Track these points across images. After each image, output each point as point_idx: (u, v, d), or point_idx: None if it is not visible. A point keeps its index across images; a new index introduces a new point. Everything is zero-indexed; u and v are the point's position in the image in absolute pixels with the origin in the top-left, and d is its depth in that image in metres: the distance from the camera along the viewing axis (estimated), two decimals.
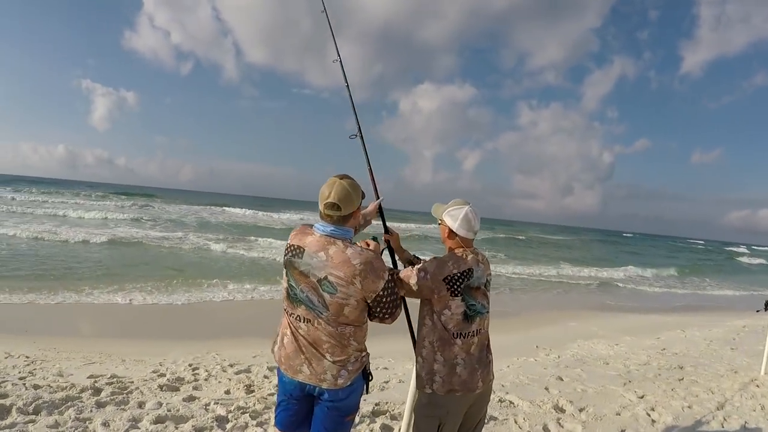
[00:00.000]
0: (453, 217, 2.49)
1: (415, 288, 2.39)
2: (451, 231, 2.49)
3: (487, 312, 2.52)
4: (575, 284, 19.22)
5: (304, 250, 2.16)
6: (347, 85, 3.06)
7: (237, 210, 43.61)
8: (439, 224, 2.57)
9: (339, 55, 3.07)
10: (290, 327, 2.26)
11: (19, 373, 5.24)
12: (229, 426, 4.15)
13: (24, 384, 4.61)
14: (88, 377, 5.24)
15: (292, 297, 2.22)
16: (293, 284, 2.19)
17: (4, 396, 4.27)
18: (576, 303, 14.90)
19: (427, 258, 2.59)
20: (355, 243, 2.25)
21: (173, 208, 40.26)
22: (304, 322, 2.20)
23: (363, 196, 2.29)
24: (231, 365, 6.18)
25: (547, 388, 5.88)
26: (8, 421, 3.88)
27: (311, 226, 2.25)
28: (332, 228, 2.19)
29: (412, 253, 2.85)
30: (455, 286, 2.37)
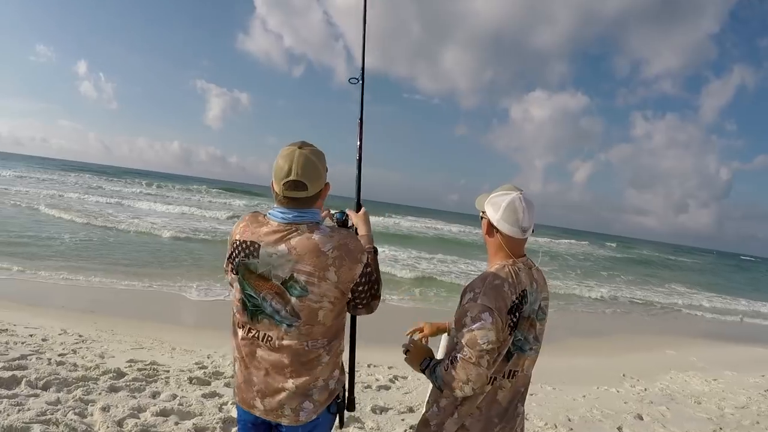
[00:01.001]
0: (495, 206, 1.88)
1: (491, 345, 1.71)
2: (491, 225, 1.89)
3: (534, 350, 1.91)
4: (683, 308, 17.67)
5: (259, 246, 1.74)
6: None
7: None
8: (481, 218, 1.96)
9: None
10: (241, 350, 1.85)
11: (62, 349, 5.33)
12: (233, 430, 3.78)
13: (49, 359, 4.62)
14: (126, 361, 5.23)
15: (251, 311, 1.79)
16: (251, 293, 1.77)
17: (23, 368, 4.29)
18: (680, 329, 13.77)
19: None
20: (320, 223, 1.81)
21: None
22: (264, 341, 1.78)
23: (326, 169, 1.84)
24: None
25: (620, 429, 5.10)
26: (13, 391, 3.89)
27: (263, 213, 1.84)
28: (295, 213, 1.76)
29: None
30: (514, 319, 1.80)
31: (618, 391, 6.77)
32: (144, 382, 4.54)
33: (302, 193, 1.73)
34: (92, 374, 4.49)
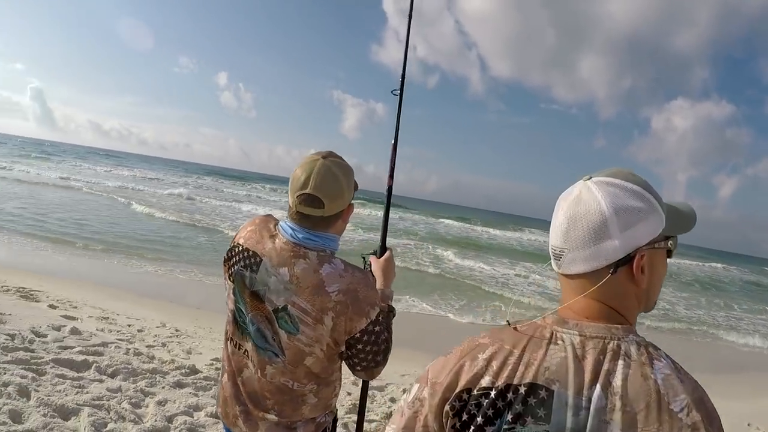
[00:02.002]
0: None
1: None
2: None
3: None
4: None
5: (261, 260, 1.57)
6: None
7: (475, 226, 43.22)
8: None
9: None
10: (231, 363, 1.71)
11: (152, 341, 5.52)
12: None
13: (128, 349, 4.73)
14: (210, 359, 5.23)
15: (240, 326, 1.66)
16: (242, 308, 1.62)
17: (98, 354, 4.45)
18: None
19: None
20: (337, 257, 1.59)
21: (416, 218, 42.02)
22: (251, 361, 1.64)
23: (356, 187, 1.65)
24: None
25: None
26: (80, 374, 4.00)
27: (275, 223, 1.67)
28: (307, 234, 1.56)
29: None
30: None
31: None
32: (213, 382, 4.50)
33: (317, 210, 1.52)
34: (164, 368, 4.53)
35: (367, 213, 38.55)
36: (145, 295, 7.89)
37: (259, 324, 1.56)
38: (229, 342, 1.70)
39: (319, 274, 1.50)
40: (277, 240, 1.56)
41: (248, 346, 1.61)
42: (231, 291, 1.65)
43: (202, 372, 4.68)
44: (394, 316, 1.77)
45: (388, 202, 2.12)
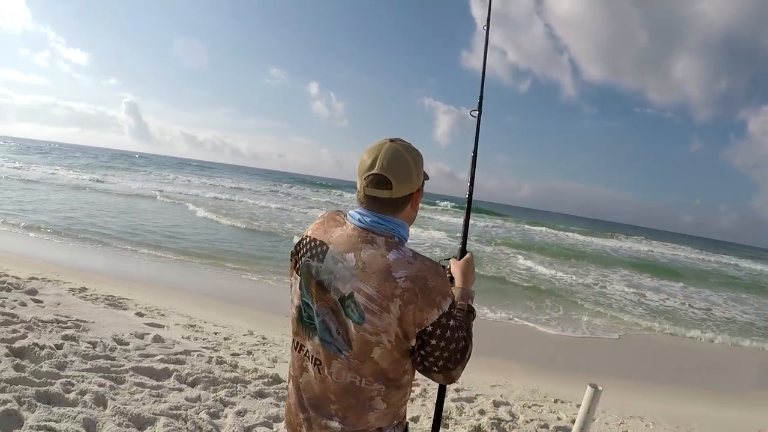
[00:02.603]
0: None
1: None
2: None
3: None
4: None
5: (327, 248, 1.50)
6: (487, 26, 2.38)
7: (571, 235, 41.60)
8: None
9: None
10: (293, 367, 1.63)
11: (238, 349, 5.43)
12: None
13: (211, 358, 4.61)
14: None
15: (305, 323, 1.55)
16: (308, 302, 1.52)
17: (180, 363, 4.34)
18: None
19: None
20: (401, 243, 1.51)
21: (509, 225, 41.09)
22: (313, 363, 1.53)
23: (426, 176, 1.60)
24: (457, 390, 5.18)
25: None
26: (160, 383, 3.92)
27: (344, 213, 1.62)
28: (375, 218, 1.50)
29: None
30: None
31: None
32: None
33: (385, 192, 1.47)
34: (247, 377, 4.34)
35: (460, 220, 37.96)
36: (235, 302, 7.91)
37: (324, 316, 1.46)
38: (294, 342, 1.60)
39: (386, 259, 1.41)
40: (344, 227, 1.51)
41: (313, 342, 1.51)
42: (297, 285, 1.55)
43: (285, 381, 4.46)
44: (474, 317, 1.68)
45: (469, 207, 2.15)
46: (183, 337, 5.32)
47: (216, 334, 5.88)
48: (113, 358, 4.07)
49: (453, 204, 52.03)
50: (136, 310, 6.08)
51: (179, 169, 65.22)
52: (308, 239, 1.55)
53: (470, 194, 2.16)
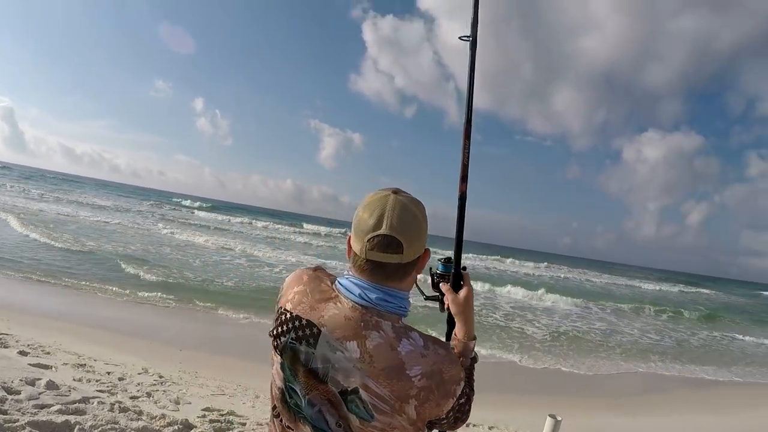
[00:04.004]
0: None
1: None
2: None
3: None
4: None
5: (320, 332, 1.26)
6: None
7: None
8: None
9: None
10: None
11: (136, 391, 5.07)
12: None
13: (112, 405, 4.29)
14: (202, 409, 4.87)
15: (291, 408, 1.34)
16: (295, 388, 1.31)
17: (81, 413, 4.02)
18: None
19: None
20: (412, 327, 1.31)
21: None
22: None
23: None
24: None
25: None
26: None
27: (331, 279, 1.37)
28: (380, 294, 1.27)
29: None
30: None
31: None
32: None
33: (395, 257, 1.24)
34: (155, 425, 4.11)
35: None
36: (121, 332, 7.43)
37: (320, 406, 1.26)
38: (276, 420, 1.39)
39: (398, 352, 1.21)
40: (338, 303, 1.26)
41: (305, 430, 1.31)
42: (279, 366, 1.33)
43: (196, 427, 4.24)
44: (476, 362, 1.53)
45: (461, 212, 1.74)
46: (75, 380, 4.89)
47: (109, 374, 5.46)
48: (5, 412, 3.65)
49: (341, 230, 52.02)
50: (18, 347, 5.46)
51: (41, 183, 59.55)
52: (289, 315, 1.31)
53: (463, 195, 1.75)
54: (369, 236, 1.23)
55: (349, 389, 1.22)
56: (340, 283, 1.30)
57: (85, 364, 5.54)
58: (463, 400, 1.31)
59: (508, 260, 45.75)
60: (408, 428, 1.25)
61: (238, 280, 14.40)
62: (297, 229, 44.86)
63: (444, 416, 1.29)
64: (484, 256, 45.53)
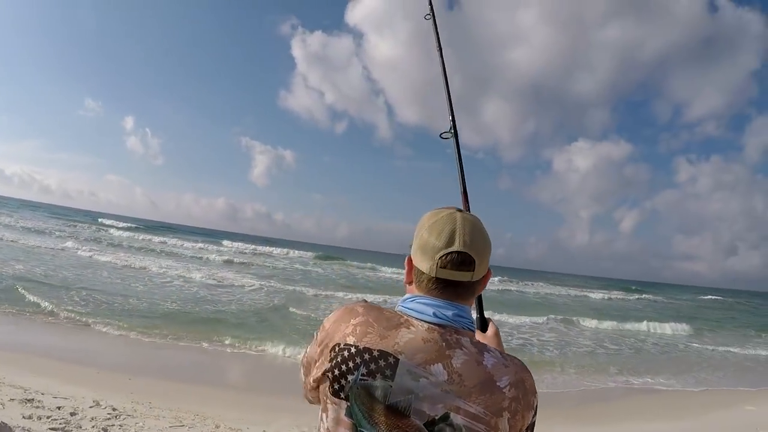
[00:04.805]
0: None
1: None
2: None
3: None
4: (727, 355, 16.56)
5: (397, 360, 1.16)
6: (440, 50, 2.50)
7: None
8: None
9: (432, 11, 2.57)
10: None
11: (92, 428, 4.85)
12: None
13: None
14: None
15: None
16: (367, 428, 1.17)
17: None
18: (749, 380, 12.71)
19: None
20: (488, 344, 1.27)
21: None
22: None
23: None
24: None
25: None
26: None
27: (389, 309, 1.28)
28: (455, 310, 1.22)
29: None
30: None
31: None
32: None
33: (467, 274, 1.20)
34: None
35: (298, 266, 37.28)
36: (65, 360, 7.02)
37: None
38: None
39: (484, 366, 1.16)
40: (411, 327, 1.19)
41: None
42: (344, 413, 1.18)
43: None
44: None
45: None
46: (25, 417, 4.55)
47: (60, 408, 5.11)
48: None
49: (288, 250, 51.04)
50: None
51: None
52: (355, 350, 1.19)
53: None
54: (441, 254, 1.19)
55: (437, 417, 1.13)
56: (407, 307, 1.24)
57: (33, 399, 5.16)
58: (535, 418, 1.26)
59: None
60: None
61: (158, 299, 13.85)
62: (216, 247, 43.24)
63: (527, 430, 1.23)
64: None
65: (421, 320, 1.19)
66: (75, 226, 44.80)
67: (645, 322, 21.56)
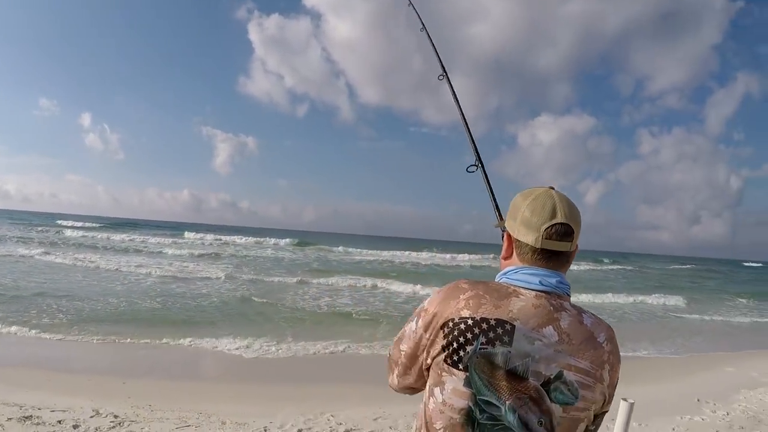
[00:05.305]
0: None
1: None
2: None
3: None
4: (702, 320, 17.25)
5: (513, 327, 1.24)
6: (457, 103, 2.69)
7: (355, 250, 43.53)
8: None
9: (444, 71, 2.88)
10: None
11: None
12: None
13: None
14: None
15: (481, 425, 1.23)
16: (490, 399, 1.23)
17: None
18: (727, 342, 13.31)
19: None
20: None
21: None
22: None
23: None
24: (347, 431, 5.17)
25: None
26: None
27: (494, 280, 1.38)
28: (558, 277, 1.32)
29: None
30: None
31: (703, 419, 6.59)
32: None
33: (567, 245, 1.31)
34: None
35: (270, 253, 36.79)
36: (55, 371, 6.78)
37: (519, 410, 1.21)
38: None
39: (585, 326, 1.28)
40: (520, 296, 1.27)
41: None
42: (462, 383, 1.24)
43: None
44: None
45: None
46: None
47: (61, 422, 4.91)
48: None
49: (245, 237, 50.35)
50: None
51: None
52: (471, 321, 1.25)
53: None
54: (546, 226, 1.29)
55: (552, 377, 1.22)
56: (509, 279, 1.33)
57: (31, 416, 4.95)
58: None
59: (423, 253, 46.55)
60: (599, 400, 1.28)
61: (126, 298, 13.59)
62: (176, 240, 42.09)
63: (610, 392, 1.32)
64: (400, 252, 45.89)
65: (529, 289, 1.29)
66: (31, 230, 43.25)
67: (624, 294, 22.00)
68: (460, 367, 1.24)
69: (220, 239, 46.72)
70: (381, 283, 20.23)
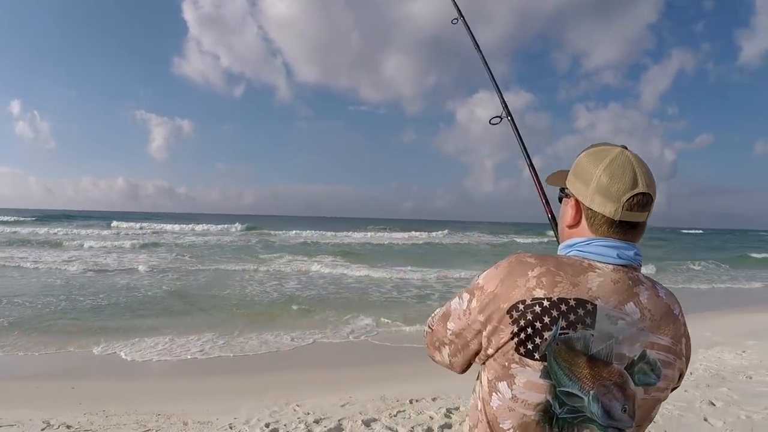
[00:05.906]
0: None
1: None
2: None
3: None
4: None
5: (594, 307, 1.11)
6: (478, 48, 2.66)
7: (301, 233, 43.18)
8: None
9: (460, 14, 2.88)
10: None
11: None
12: None
13: None
14: None
15: (561, 420, 1.11)
16: (571, 390, 1.10)
17: None
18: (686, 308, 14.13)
19: None
20: None
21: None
22: None
23: None
24: (317, 421, 5.15)
25: (706, 419, 5.13)
26: None
27: (565, 255, 1.25)
28: (633, 248, 1.20)
29: None
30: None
31: None
32: None
33: (645, 215, 1.20)
34: None
35: (211, 239, 35.61)
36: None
37: (603, 399, 1.10)
38: None
39: (661, 298, 1.20)
40: (597, 271, 1.16)
41: None
42: (538, 375, 1.10)
43: None
44: None
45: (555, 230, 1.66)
46: None
47: None
48: None
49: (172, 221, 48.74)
50: None
51: None
52: (548, 303, 1.10)
53: (552, 215, 1.91)
54: (628, 195, 1.15)
55: (635, 358, 1.13)
56: (581, 251, 1.20)
57: None
58: None
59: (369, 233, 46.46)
60: (676, 377, 1.22)
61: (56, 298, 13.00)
62: (101, 232, 39.87)
63: (683, 372, 1.27)
64: (351, 233, 45.74)
65: (606, 262, 1.17)
66: None
67: None
68: (536, 356, 1.10)
69: (160, 227, 45.30)
70: (325, 266, 20.14)
